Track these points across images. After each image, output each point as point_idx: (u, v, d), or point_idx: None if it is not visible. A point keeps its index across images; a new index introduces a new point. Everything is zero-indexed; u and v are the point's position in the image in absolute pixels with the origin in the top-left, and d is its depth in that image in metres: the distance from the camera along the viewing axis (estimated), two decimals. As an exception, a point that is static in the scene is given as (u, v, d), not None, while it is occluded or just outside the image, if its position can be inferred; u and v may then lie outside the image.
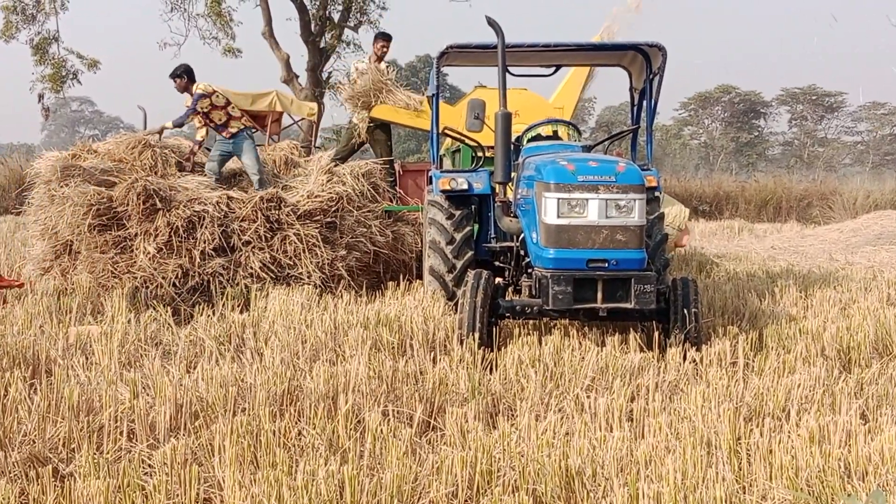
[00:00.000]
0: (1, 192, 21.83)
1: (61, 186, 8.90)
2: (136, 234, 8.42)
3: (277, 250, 8.60)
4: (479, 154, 7.76)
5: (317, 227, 8.80)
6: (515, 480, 3.83)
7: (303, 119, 16.59)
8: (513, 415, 4.87)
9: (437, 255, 7.33)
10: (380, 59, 10.84)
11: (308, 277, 8.56)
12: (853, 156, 59.91)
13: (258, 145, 10.04)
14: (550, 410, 4.81)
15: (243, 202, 8.70)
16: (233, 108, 9.60)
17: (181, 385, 4.86)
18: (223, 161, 9.67)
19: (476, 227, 7.86)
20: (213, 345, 6.16)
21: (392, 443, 4.07)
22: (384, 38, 11.26)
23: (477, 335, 5.88)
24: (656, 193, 7.44)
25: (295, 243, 8.63)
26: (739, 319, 7.34)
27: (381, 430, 4.25)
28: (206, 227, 8.42)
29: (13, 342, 5.82)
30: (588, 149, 7.17)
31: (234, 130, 9.49)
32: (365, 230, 9.24)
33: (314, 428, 4.36)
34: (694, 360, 5.72)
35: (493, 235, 7.52)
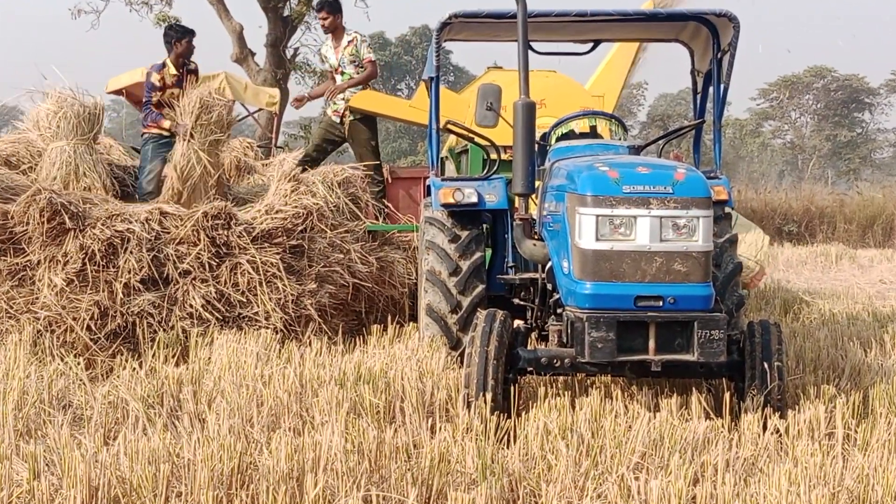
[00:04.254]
0: None
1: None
2: (38, 262, 8.44)
3: (226, 283, 8.61)
4: (493, 156, 7.80)
5: (278, 253, 8.82)
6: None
7: (260, 110, 16.75)
8: (537, 502, 4.86)
9: (436, 289, 7.34)
10: (328, 31, 10.73)
11: (266, 319, 8.56)
12: None
13: None
14: (587, 496, 4.80)
15: (181, 219, 8.72)
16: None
17: (97, 461, 4.85)
18: (162, 169, 9.78)
19: (488, 252, 7.86)
20: (140, 408, 6.15)
21: (376, 539, 4.06)
22: (324, 6, 10.90)
23: (489, 396, 5.88)
24: (727, 209, 7.46)
25: (249, 273, 8.64)
26: (837, 376, 7.33)
27: (362, 521, 4.23)
28: (131, 253, 8.44)
29: None
30: (637, 150, 7.20)
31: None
32: (341, 256, 9.25)
33: (273, 519, 4.35)
34: (777, 431, 5.71)
35: (510, 264, 7.53)
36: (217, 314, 8.49)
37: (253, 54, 22.68)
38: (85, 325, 8.22)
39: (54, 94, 9.50)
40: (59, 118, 9.37)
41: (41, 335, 8.11)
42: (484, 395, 5.88)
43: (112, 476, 4.71)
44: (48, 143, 9.44)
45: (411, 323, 8.94)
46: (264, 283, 8.65)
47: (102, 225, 8.47)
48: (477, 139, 7.87)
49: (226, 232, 8.69)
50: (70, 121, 9.35)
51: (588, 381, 6.96)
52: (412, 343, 7.71)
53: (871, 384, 6.80)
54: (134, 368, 7.23)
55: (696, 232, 5.90)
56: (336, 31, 10.61)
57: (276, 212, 9.06)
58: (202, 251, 8.58)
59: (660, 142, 8.28)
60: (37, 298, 8.33)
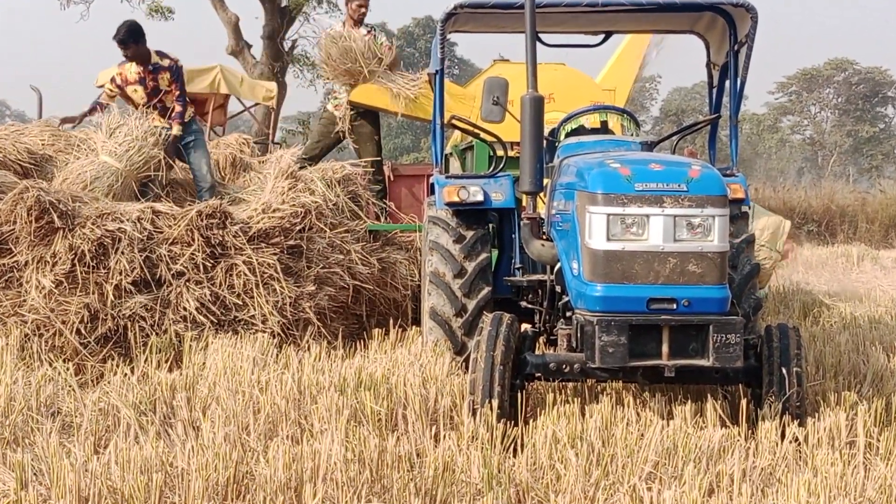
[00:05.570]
0: None
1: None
2: (26, 263, 8.45)
3: (221, 285, 8.61)
4: (500, 153, 7.80)
5: (275, 253, 8.82)
6: None
7: (257, 105, 16.76)
8: (545, 514, 4.86)
9: (440, 291, 7.34)
10: (357, 22, 10.90)
11: (263, 322, 8.57)
12: None
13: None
14: (597, 508, 4.79)
15: (174, 218, 8.73)
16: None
17: (87, 470, 4.86)
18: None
19: (494, 253, 7.86)
20: (132, 415, 6.16)
21: (378, 551, 4.06)
22: None
23: (496, 403, 5.88)
24: (743, 208, 7.46)
25: (245, 275, 8.64)
26: (859, 383, 7.32)
27: (363, 533, 4.24)
28: (122, 253, 8.44)
29: None
30: (649, 146, 7.20)
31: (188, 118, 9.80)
32: (341, 257, 9.25)
33: (270, 530, 4.35)
34: (796, 439, 5.71)
35: (517, 265, 7.54)
36: (212, 317, 8.49)
37: (249, 46, 22.74)
38: (74, 329, 8.22)
39: None
40: None
41: (28, 339, 8.12)
42: (490, 402, 5.88)
43: (103, 486, 4.72)
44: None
45: (414, 327, 8.95)
46: (261, 285, 8.66)
47: (92, 224, 8.45)
48: (483, 135, 7.87)
49: (221, 231, 8.69)
50: None
51: (598, 388, 6.96)
52: (415, 348, 7.71)
53: (893, 391, 6.80)
54: (125, 374, 7.23)
55: (712, 231, 5.89)
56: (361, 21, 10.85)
57: (274, 210, 9.06)
58: (196, 252, 8.58)
59: (674, 138, 8.26)
60: (24, 301, 8.33)
